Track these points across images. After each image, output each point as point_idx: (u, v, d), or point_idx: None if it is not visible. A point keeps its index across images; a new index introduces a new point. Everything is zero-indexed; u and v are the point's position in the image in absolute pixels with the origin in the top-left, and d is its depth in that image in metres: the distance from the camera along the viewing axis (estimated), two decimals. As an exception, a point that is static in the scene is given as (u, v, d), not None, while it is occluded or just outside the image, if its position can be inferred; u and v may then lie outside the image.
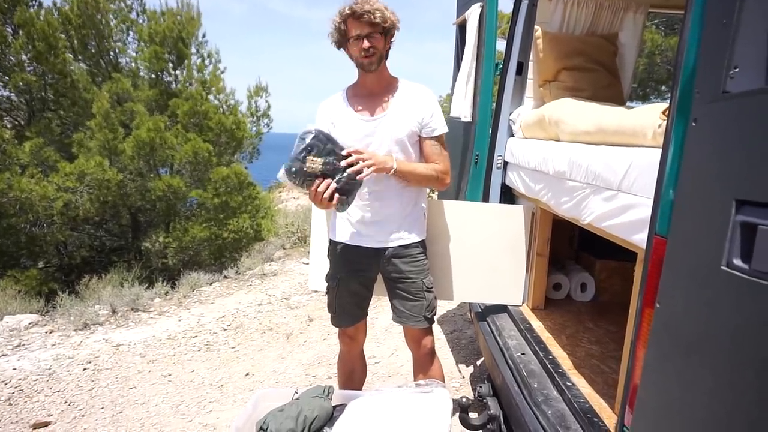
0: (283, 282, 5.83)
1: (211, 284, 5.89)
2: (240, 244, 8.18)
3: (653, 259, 1.09)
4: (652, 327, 0.98)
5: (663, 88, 10.29)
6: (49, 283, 7.05)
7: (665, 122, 1.41)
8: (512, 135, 2.85)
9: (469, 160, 3.07)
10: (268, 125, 10.17)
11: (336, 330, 2.35)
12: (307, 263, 6.61)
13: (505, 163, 2.84)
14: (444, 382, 2.26)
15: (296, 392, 2.17)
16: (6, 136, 6.74)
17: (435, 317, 2.16)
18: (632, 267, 2.18)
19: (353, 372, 2.38)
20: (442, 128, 2.00)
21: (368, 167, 1.80)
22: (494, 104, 2.92)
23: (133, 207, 7.98)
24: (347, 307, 2.19)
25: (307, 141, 1.81)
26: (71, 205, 6.96)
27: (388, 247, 2.05)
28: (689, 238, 0.92)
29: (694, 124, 0.94)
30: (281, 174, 1.86)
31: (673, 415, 0.90)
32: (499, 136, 2.84)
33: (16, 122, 7.90)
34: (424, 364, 2.20)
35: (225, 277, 6.18)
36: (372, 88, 1.99)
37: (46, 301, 5.47)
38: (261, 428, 1.96)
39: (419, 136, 1.99)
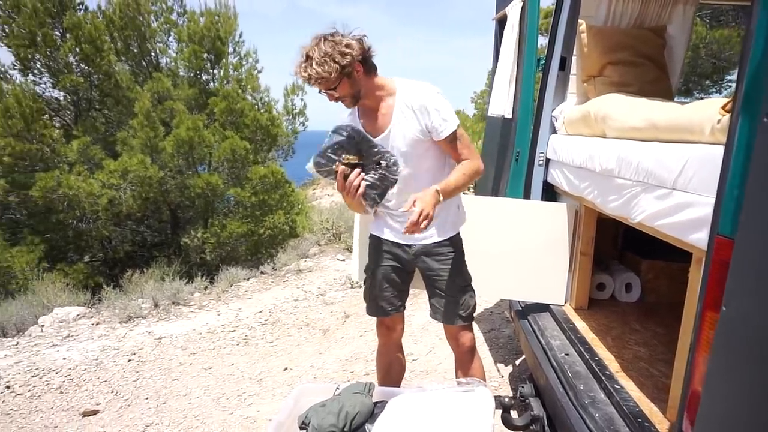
0: (318, 278, 5.88)
1: (248, 279, 5.99)
2: (276, 240, 8.29)
3: (715, 260, 1.05)
4: (717, 331, 0.94)
5: (707, 82, 9.92)
6: (95, 277, 7.30)
7: (724, 118, 1.35)
8: (555, 132, 2.79)
9: (509, 157, 3.03)
10: (303, 124, 10.28)
11: (374, 326, 2.36)
12: (342, 260, 6.66)
13: (547, 160, 2.79)
14: (485, 380, 2.23)
15: (337, 388, 2.18)
16: (55, 135, 7.00)
17: (473, 315, 2.13)
18: (681, 268, 2.11)
19: (391, 365, 2.38)
20: (450, 127, 1.90)
21: (426, 219, 1.74)
22: (536, 101, 2.87)
23: (172, 203, 8.19)
24: (382, 297, 2.19)
25: (342, 136, 1.84)
26: (115, 202, 7.18)
27: (415, 244, 2.06)
28: (760, 240, 0.88)
29: (766, 119, 0.90)
30: (310, 165, 1.89)
31: (740, 426, 0.87)
32: (541, 132, 2.79)
33: (64, 122, 8.20)
34: (464, 361, 2.19)
35: (262, 272, 6.28)
36: (371, 105, 1.97)
37: (92, 294, 5.67)
38: (303, 423, 1.98)
39: (432, 139, 1.96)
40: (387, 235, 2.11)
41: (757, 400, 0.84)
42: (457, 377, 2.24)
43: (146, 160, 7.17)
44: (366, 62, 1.85)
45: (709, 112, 1.43)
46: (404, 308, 2.30)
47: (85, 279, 7.03)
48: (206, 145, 7.72)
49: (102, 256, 8.28)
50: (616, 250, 3.04)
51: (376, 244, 2.17)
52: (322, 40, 1.78)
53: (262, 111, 8.67)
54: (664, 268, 2.69)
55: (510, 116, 3.02)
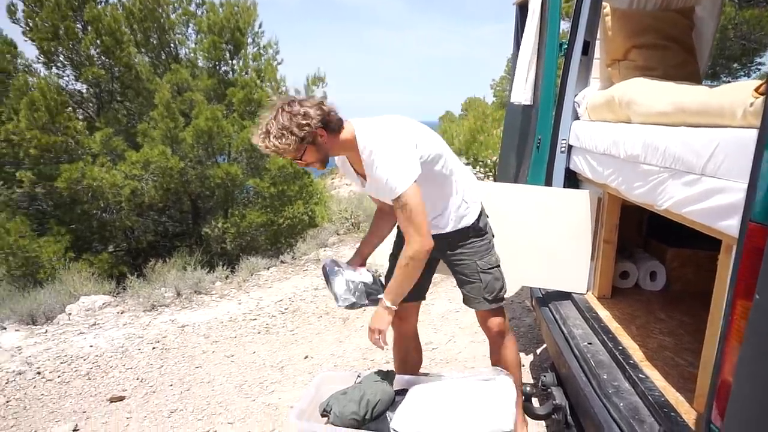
0: (338, 267, 5.91)
1: (268, 269, 6.04)
2: (295, 230, 8.35)
3: (748, 247, 1.02)
4: (749, 320, 0.91)
5: (735, 65, 9.63)
6: (119, 266, 7.45)
7: (758, 100, 1.31)
8: (577, 118, 2.74)
9: (530, 144, 2.98)
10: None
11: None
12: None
13: (570, 147, 2.74)
14: (518, 366, 2.22)
15: (359, 376, 2.20)
16: (79, 128, 7.11)
17: (501, 298, 2.12)
18: (709, 256, 2.06)
19: (407, 354, 2.39)
20: (393, 193, 1.77)
21: (378, 335, 1.95)
22: (558, 86, 2.81)
23: (193, 194, 8.28)
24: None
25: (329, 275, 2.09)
26: (137, 192, 7.30)
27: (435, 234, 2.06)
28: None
29: (804, 100, 0.86)
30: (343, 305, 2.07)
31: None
32: (563, 119, 2.74)
33: (87, 114, 8.33)
34: (495, 345, 2.19)
35: (281, 262, 6.33)
36: (351, 156, 1.97)
37: (117, 283, 5.78)
38: (324, 410, 1.99)
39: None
40: None
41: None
42: (491, 364, 2.24)
43: (167, 150, 7.25)
44: (328, 125, 1.82)
45: (741, 94, 1.39)
46: (421, 299, 2.31)
47: (110, 268, 7.17)
48: (225, 136, 7.78)
49: (125, 246, 8.43)
50: (640, 237, 2.98)
51: (397, 232, 2.20)
52: (279, 111, 1.76)
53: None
54: (691, 256, 2.64)
55: (531, 103, 2.97)
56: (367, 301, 2.05)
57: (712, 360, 1.14)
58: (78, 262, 6.77)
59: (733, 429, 0.99)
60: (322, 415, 1.99)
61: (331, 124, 1.83)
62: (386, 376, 2.11)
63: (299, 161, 1.84)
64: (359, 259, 2.20)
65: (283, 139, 1.73)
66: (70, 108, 7.54)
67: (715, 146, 1.41)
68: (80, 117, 8.12)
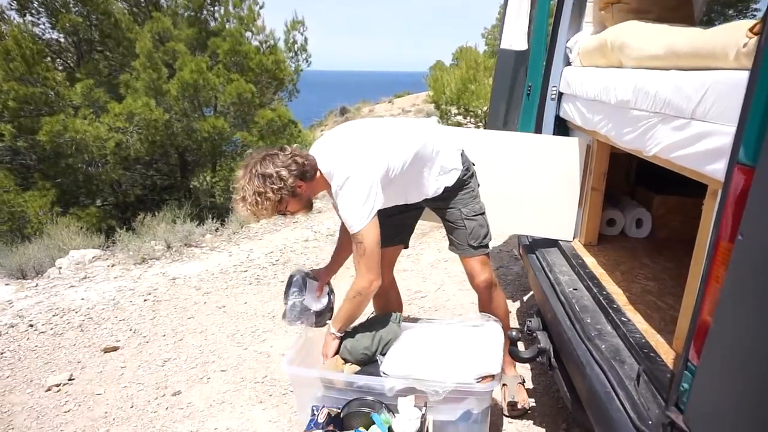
0: (328, 219, 5.91)
1: (258, 221, 6.04)
2: (284, 183, 8.30)
3: (734, 190, 1.02)
4: (732, 260, 0.92)
5: (730, 12, 9.43)
6: (107, 220, 7.41)
7: (752, 40, 1.28)
8: (569, 64, 2.69)
9: (519, 92, 2.94)
10: (306, 60, 10.01)
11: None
12: (351, 201, 6.65)
13: (560, 94, 2.70)
14: (506, 315, 2.27)
15: (368, 318, 2.22)
16: (58, 79, 6.90)
17: (485, 245, 2.14)
18: (694, 203, 2.08)
19: (387, 303, 2.42)
20: (352, 229, 1.82)
21: (325, 357, 1.97)
22: (550, 32, 2.74)
23: (180, 147, 8.16)
24: (398, 229, 2.24)
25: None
26: (122, 145, 7.17)
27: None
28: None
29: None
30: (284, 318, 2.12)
31: (751, 352, 0.86)
32: (555, 65, 2.69)
33: (67, 65, 8.08)
34: (482, 297, 2.23)
35: (271, 214, 6.32)
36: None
37: (106, 237, 5.76)
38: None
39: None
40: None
41: (768, 326, 0.84)
42: (479, 310, 2.29)
43: (151, 102, 7.09)
44: (305, 175, 1.79)
45: (735, 35, 1.35)
46: (401, 245, 2.34)
47: (98, 222, 7.14)
48: (211, 88, 7.60)
49: (113, 200, 8.37)
50: (628, 185, 2.99)
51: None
52: (252, 175, 1.72)
53: (266, 53, 8.45)
54: (677, 203, 2.66)
55: (522, 49, 2.90)
56: (313, 325, 2.11)
57: (693, 303, 1.16)
58: (65, 217, 6.72)
59: (710, 367, 1.02)
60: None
61: (308, 173, 1.80)
62: (396, 318, 2.14)
63: (284, 215, 1.84)
64: (328, 275, 2.19)
65: (259, 206, 1.72)
66: (48, 58, 7.28)
67: (705, 89, 1.39)
68: (60, 68, 7.87)
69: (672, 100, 1.56)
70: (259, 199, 1.70)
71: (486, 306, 2.21)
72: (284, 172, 1.72)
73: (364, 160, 1.83)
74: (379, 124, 2.06)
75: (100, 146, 6.95)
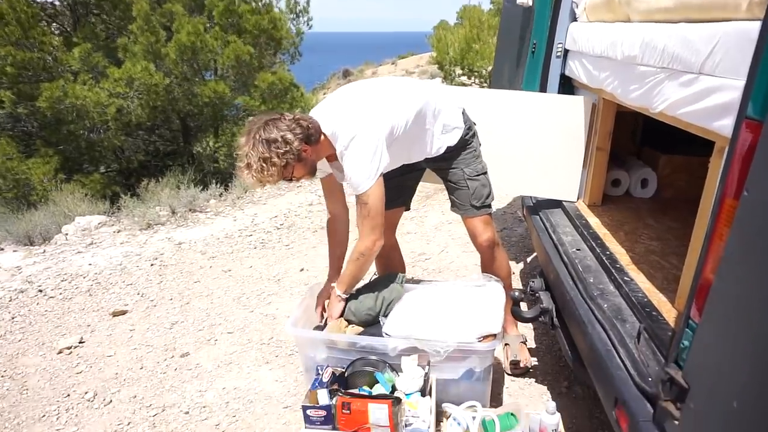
0: (331, 183, 5.90)
1: (263, 187, 6.03)
2: (288, 147, 8.26)
3: (741, 145, 0.99)
4: (737, 216, 0.91)
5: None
6: (111, 186, 7.43)
7: (765, -11, 1.22)
8: (575, 19, 2.60)
9: (525, 49, 2.86)
10: (308, 23, 9.81)
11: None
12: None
13: (566, 52, 2.63)
14: (508, 276, 2.29)
15: (371, 280, 2.23)
16: (55, 43, 6.80)
17: (488, 204, 2.14)
18: (700, 162, 2.04)
19: (389, 263, 2.42)
20: (357, 189, 1.82)
21: (331, 317, 1.98)
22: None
23: (181, 112, 8.09)
24: (400, 192, 2.23)
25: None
26: (123, 111, 7.12)
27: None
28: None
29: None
30: None
31: (755, 307, 0.86)
32: (560, 21, 2.60)
33: (63, 29, 7.93)
34: (485, 257, 2.24)
35: (275, 179, 6.30)
36: (330, 157, 1.92)
37: (111, 203, 5.79)
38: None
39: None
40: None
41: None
42: (482, 270, 2.30)
43: (150, 67, 6.99)
44: (310, 139, 1.74)
45: (748, -16, 1.30)
46: (404, 206, 2.34)
47: (102, 189, 7.16)
48: (209, 50, 7.47)
49: (117, 166, 8.37)
50: (633, 145, 2.95)
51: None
52: (256, 141, 1.67)
53: (262, 13, 8.25)
54: (683, 163, 2.62)
55: (528, 4, 2.81)
56: None
57: (696, 261, 1.15)
58: (70, 184, 6.74)
59: (711, 325, 1.02)
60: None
61: (312, 136, 1.77)
62: (399, 278, 2.15)
63: (289, 180, 1.79)
64: (337, 274, 2.14)
65: (265, 172, 1.68)
66: (43, 22, 7.15)
67: (716, 42, 1.34)
68: (56, 32, 7.73)
69: (680, 55, 1.51)
70: (264, 165, 1.68)
71: (488, 266, 2.22)
72: (289, 136, 1.69)
73: (368, 119, 1.81)
74: (379, 84, 2.03)
75: (100, 112, 6.90)
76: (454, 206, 2.18)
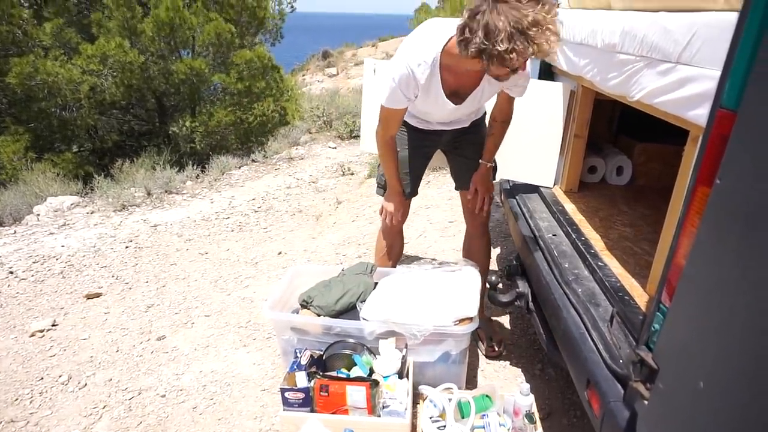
0: (310, 166, 5.86)
1: (239, 168, 5.96)
2: (266, 129, 8.15)
3: (715, 134, 1.01)
4: (709, 203, 0.93)
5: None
6: (84, 167, 7.25)
7: (742, -20, 1.24)
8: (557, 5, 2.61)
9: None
10: (291, 5, 9.65)
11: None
12: (334, 147, 6.60)
13: (547, 38, 2.64)
14: (488, 260, 2.37)
15: (343, 270, 2.24)
16: (25, 16, 6.55)
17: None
18: (674, 150, 2.08)
19: (392, 246, 2.45)
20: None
21: (490, 200, 2.24)
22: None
23: (157, 90, 7.90)
24: (418, 173, 2.34)
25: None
26: (97, 89, 6.92)
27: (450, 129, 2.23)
28: (765, 111, 0.83)
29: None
30: None
31: (723, 292, 0.89)
32: (542, 6, 2.60)
33: (33, 1, 7.63)
34: (475, 232, 2.37)
35: (253, 161, 6.24)
36: (464, 68, 1.84)
37: (84, 183, 5.66)
38: (304, 300, 2.05)
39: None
40: (427, 126, 2.18)
41: (744, 263, 0.85)
42: (464, 254, 2.35)
43: (125, 43, 6.79)
44: None
45: (726, -26, 1.31)
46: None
47: (75, 169, 6.98)
48: (188, 28, 7.28)
49: (90, 146, 8.15)
50: (610, 133, 2.99)
51: (412, 129, 2.22)
52: (543, 4, 1.48)
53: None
54: (657, 151, 2.66)
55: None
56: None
57: (668, 247, 1.18)
58: (41, 163, 6.56)
59: (680, 309, 1.04)
60: (302, 306, 2.05)
61: None
62: (367, 268, 2.16)
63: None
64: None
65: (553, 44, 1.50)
66: (11, -7, 6.86)
67: (694, 32, 1.36)
68: (26, 4, 7.44)
69: (659, 44, 1.53)
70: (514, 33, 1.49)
71: (474, 243, 2.34)
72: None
73: None
74: None
75: (73, 90, 6.69)
76: (463, 184, 2.30)
